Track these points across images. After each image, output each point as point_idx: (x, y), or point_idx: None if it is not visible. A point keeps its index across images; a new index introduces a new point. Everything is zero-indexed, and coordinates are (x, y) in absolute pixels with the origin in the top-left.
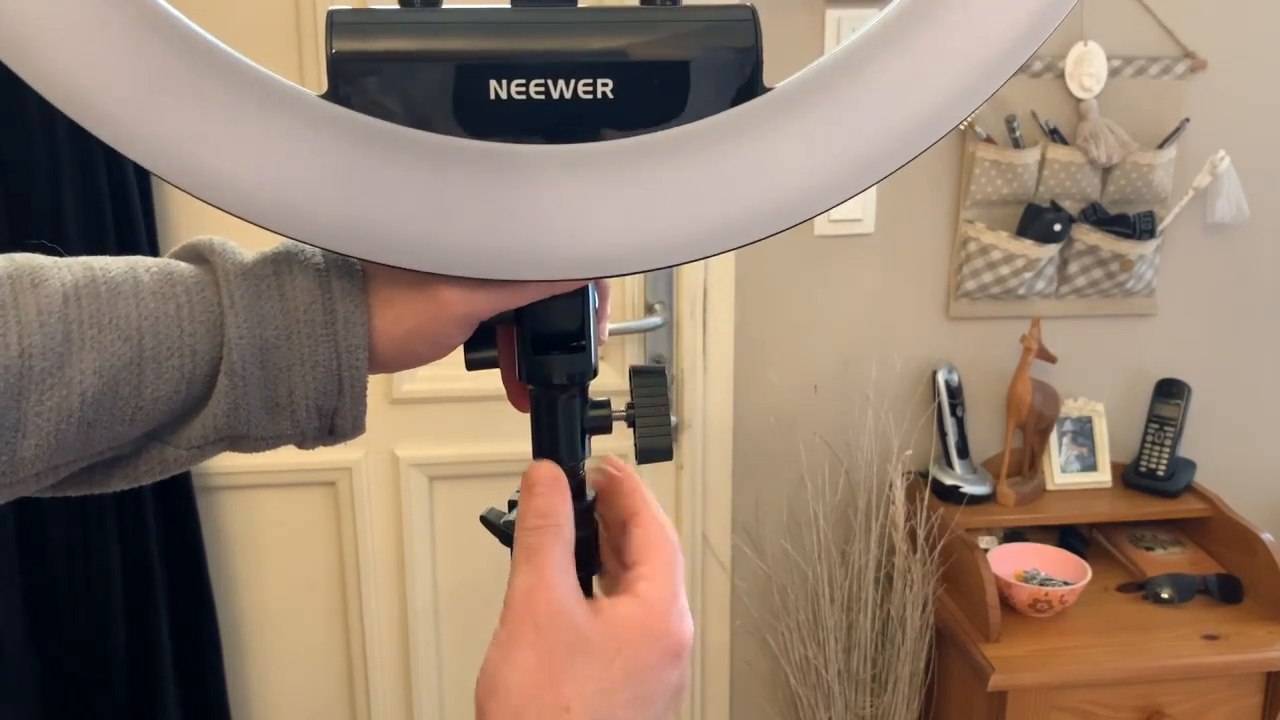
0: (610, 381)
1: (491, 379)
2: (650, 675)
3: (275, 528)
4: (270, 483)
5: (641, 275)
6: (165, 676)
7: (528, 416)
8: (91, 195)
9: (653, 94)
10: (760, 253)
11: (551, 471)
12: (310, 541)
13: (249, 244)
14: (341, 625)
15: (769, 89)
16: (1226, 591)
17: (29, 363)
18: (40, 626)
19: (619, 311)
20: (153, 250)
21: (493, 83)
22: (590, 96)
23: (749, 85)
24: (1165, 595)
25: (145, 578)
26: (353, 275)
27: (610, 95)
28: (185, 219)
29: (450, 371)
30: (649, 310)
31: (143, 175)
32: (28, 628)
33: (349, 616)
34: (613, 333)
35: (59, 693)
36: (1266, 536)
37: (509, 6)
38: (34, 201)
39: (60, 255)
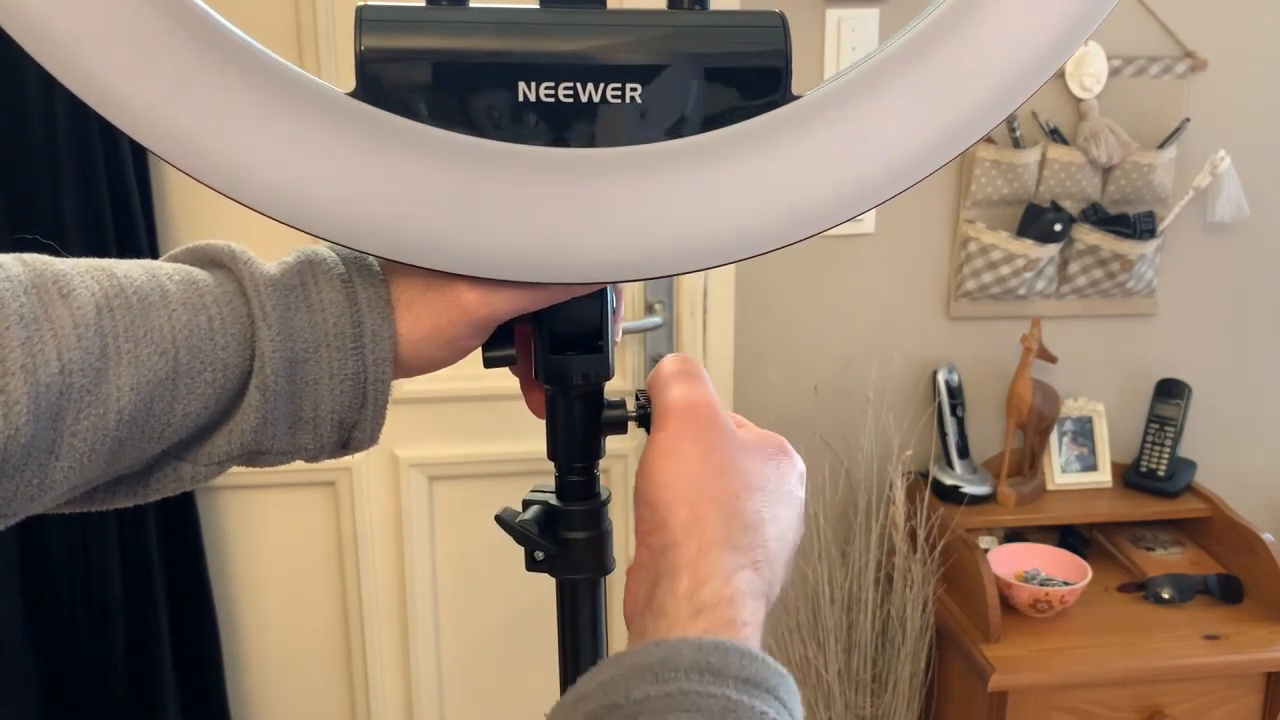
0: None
1: (492, 379)
2: (797, 490)
3: (275, 528)
4: (270, 483)
5: None
6: (165, 676)
7: (527, 416)
8: (91, 195)
9: (680, 99)
10: None
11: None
12: (310, 541)
13: (251, 244)
14: (341, 625)
15: (797, 96)
16: (1227, 591)
17: (69, 380)
18: (40, 627)
19: None
20: (153, 251)
21: (521, 85)
22: (618, 100)
23: (777, 92)
24: (1166, 595)
25: (145, 578)
26: (376, 285)
27: (638, 100)
28: (185, 220)
29: (450, 371)
30: (649, 310)
31: (143, 176)
32: (28, 628)
33: (349, 616)
34: None
35: (58, 693)
36: (1267, 536)
37: (537, 7)
38: (34, 202)
39: (58, 252)
